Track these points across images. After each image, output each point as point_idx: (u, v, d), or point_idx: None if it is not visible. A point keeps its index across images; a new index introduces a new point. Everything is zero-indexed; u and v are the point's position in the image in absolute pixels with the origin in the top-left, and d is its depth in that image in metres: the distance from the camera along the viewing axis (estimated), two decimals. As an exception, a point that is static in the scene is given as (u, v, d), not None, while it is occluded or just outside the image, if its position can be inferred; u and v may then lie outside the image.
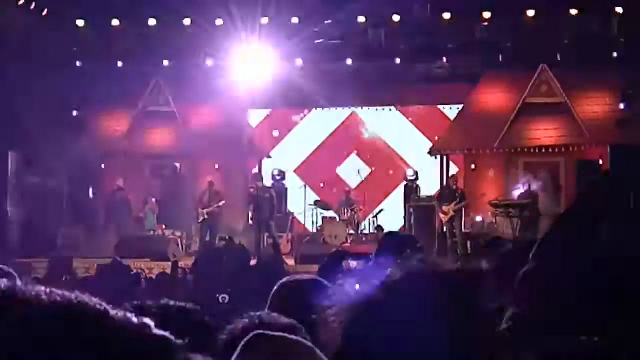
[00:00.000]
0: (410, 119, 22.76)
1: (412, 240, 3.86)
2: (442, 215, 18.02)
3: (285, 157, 22.47)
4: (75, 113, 21.29)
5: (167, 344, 1.10)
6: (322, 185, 22.22)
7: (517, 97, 20.09)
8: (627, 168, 17.26)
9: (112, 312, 1.08)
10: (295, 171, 22.47)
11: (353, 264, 3.86)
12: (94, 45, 21.08)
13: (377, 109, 22.55)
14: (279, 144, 23.03)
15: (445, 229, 18.19)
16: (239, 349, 1.62)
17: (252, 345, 1.62)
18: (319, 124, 23.00)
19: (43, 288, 1.07)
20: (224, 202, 18.82)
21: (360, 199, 20.79)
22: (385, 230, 19.78)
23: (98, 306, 1.07)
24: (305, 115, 23.13)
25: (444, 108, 22.34)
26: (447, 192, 18.07)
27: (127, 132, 21.26)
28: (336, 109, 22.49)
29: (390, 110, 22.55)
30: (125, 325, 1.06)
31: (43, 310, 1.00)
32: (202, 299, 8.46)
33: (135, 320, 1.10)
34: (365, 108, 22.56)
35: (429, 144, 21.30)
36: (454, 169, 20.93)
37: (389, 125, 22.81)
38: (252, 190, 18.00)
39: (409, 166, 21.57)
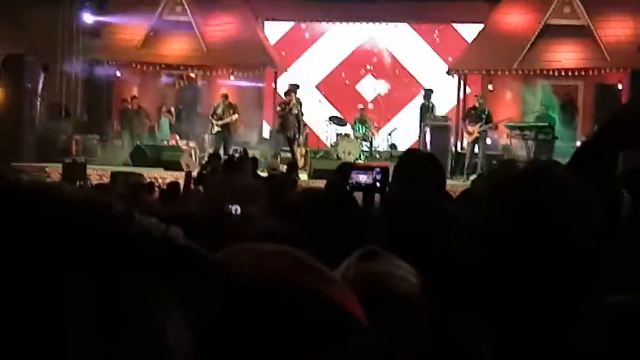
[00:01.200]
0: (426, 37, 22.46)
1: (434, 160, 3.80)
2: (466, 135, 17.92)
3: (304, 73, 22.30)
4: (91, 20, 21.09)
5: (196, 254, 1.06)
6: (340, 101, 22.11)
7: (539, 18, 19.77)
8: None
9: (138, 217, 1.01)
10: (316, 86, 22.42)
11: (362, 177, 3.84)
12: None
13: (395, 25, 22.25)
14: (296, 60, 22.81)
15: (465, 149, 18.10)
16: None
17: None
18: (337, 41, 22.75)
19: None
20: (237, 115, 18.78)
21: (375, 116, 20.72)
22: (399, 148, 19.89)
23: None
24: (323, 33, 22.84)
25: (460, 27, 22.03)
26: (474, 113, 17.88)
27: (143, 41, 21.10)
28: (354, 23, 22.23)
29: (405, 26, 22.27)
30: (151, 232, 1.01)
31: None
32: (213, 209, 8.50)
33: (162, 226, 1.05)
34: (382, 24, 22.25)
35: (443, 64, 21.17)
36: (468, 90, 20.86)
37: (405, 43, 22.54)
38: (282, 105, 18.07)
39: (421, 85, 21.40)
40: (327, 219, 2.49)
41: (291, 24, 22.77)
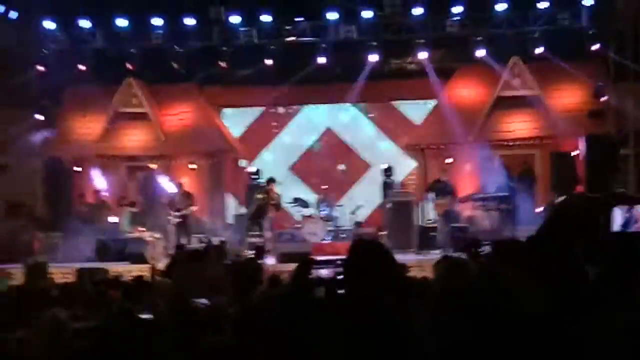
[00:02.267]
0: (372, 115, 22.75)
1: (380, 248, 3.81)
2: (437, 209, 18.01)
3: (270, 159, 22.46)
4: (43, 117, 21.11)
5: None
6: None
7: (491, 91, 20.21)
8: (601, 157, 17.47)
9: None
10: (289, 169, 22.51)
11: (323, 272, 3.88)
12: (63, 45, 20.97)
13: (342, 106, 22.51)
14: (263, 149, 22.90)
15: (434, 222, 18.16)
16: None
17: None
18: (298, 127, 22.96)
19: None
20: (195, 207, 18.83)
21: (338, 194, 20.85)
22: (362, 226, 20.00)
23: None
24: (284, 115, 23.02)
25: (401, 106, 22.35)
26: (439, 185, 18.04)
27: (101, 135, 21.13)
28: (307, 105, 22.51)
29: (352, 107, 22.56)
30: None
31: None
32: (181, 304, 8.41)
33: None
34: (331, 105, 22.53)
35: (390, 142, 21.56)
36: (409, 164, 21.21)
37: (352, 123, 22.81)
38: (262, 195, 18.18)
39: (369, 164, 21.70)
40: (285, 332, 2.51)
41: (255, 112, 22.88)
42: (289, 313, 2.73)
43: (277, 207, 18.12)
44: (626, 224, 2.14)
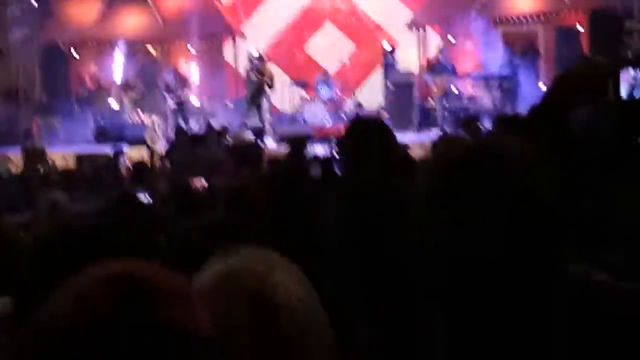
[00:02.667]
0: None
1: (380, 125, 3.70)
2: (434, 89, 17.78)
3: (259, 35, 21.84)
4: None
5: None
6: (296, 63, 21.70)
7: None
8: (606, 34, 17.16)
9: None
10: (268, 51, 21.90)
11: (318, 149, 3.80)
12: None
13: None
14: (250, 20, 22.20)
15: (432, 103, 17.97)
16: None
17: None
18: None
19: None
20: (189, 89, 18.72)
21: (341, 77, 20.55)
22: (365, 107, 19.83)
23: None
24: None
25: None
26: (438, 65, 17.75)
27: (98, 18, 20.79)
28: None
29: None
30: None
31: None
32: (181, 186, 8.41)
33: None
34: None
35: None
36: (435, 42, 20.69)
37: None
38: (249, 72, 17.90)
39: (390, 40, 21.02)
40: (278, 211, 2.45)
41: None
42: (281, 190, 2.66)
43: (270, 85, 17.81)
44: (631, 88, 2.03)
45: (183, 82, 18.60)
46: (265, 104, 17.96)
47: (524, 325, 1.33)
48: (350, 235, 1.90)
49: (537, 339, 1.33)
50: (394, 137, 3.56)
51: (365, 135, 3.50)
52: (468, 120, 6.07)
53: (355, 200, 1.98)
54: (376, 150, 3.35)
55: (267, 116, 18.26)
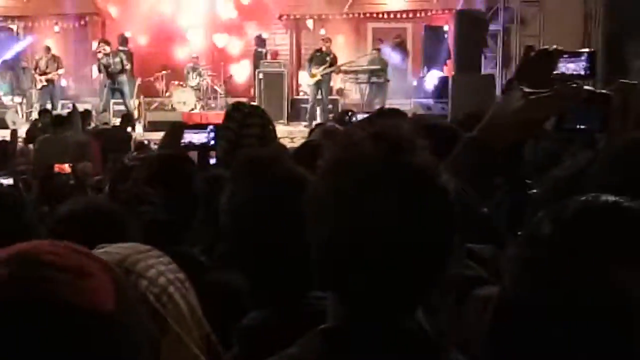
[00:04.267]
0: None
1: (260, 112, 3.71)
2: (309, 78, 17.78)
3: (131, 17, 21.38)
4: None
5: None
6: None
7: (367, -40, 19.98)
8: (471, 33, 17.74)
9: None
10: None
11: (195, 137, 3.76)
12: None
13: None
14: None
15: (308, 94, 17.93)
16: None
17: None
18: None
19: None
20: (62, 70, 18.10)
21: (211, 64, 20.38)
22: (235, 97, 19.72)
23: None
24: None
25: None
26: (319, 55, 17.75)
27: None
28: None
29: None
30: None
31: None
32: (44, 169, 8.16)
33: None
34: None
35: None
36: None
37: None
38: (99, 54, 17.34)
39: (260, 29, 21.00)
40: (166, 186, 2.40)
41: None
42: (158, 175, 2.61)
43: (123, 71, 17.45)
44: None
45: (55, 61, 17.96)
46: (126, 89, 17.53)
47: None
48: (249, 218, 1.88)
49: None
50: (272, 124, 3.57)
51: (246, 120, 3.50)
52: (342, 112, 6.16)
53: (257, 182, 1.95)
54: (257, 135, 3.35)
55: (133, 101, 17.90)
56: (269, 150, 2.94)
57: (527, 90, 1.95)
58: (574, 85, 2.05)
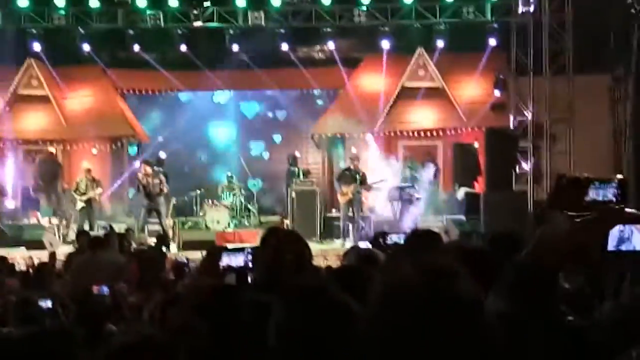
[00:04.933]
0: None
1: (296, 237, 3.79)
2: (340, 196, 17.99)
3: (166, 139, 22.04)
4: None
5: None
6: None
7: (396, 82, 20.40)
8: (501, 150, 17.94)
9: None
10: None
11: (233, 260, 3.84)
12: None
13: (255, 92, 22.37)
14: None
15: (345, 211, 18.02)
16: None
17: None
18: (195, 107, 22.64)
19: None
20: (101, 190, 18.44)
21: (243, 183, 20.72)
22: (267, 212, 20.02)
23: None
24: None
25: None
26: (348, 174, 18.03)
27: (-1, 116, 20.51)
28: (215, 91, 22.27)
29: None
30: None
31: None
32: (82, 291, 8.23)
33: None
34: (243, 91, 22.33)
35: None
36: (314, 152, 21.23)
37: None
38: (139, 175, 17.65)
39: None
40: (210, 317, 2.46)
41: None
42: (205, 305, 2.66)
43: (161, 192, 17.69)
44: (619, 243, 2.19)
45: (94, 183, 18.34)
46: (163, 209, 17.84)
47: None
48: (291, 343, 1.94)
49: None
50: (308, 248, 3.64)
51: (281, 245, 3.57)
52: (377, 234, 6.26)
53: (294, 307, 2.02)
54: (293, 261, 3.43)
55: (169, 221, 18.14)
56: (316, 279, 3.01)
57: (570, 213, 2.01)
58: (616, 207, 2.12)
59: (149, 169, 17.79)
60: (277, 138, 23.05)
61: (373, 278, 3.06)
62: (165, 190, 17.85)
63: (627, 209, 2.14)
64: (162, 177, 17.88)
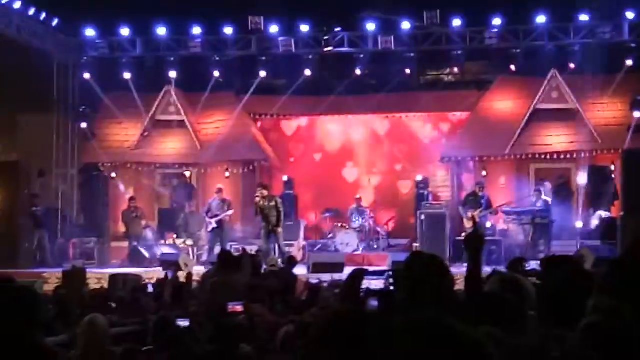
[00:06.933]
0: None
1: (439, 263, 3.77)
2: (466, 221, 17.86)
3: (296, 161, 22.43)
4: (84, 124, 21.20)
5: None
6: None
7: (528, 103, 20.06)
8: (638, 172, 17.25)
9: None
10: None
11: (374, 283, 3.86)
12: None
13: (386, 116, 22.35)
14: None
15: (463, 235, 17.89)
16: None
17: None
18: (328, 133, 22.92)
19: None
20: (232, 211, 18.78)
21: (371, 207, 20.78)
22: (395, 236, 19.98)
23: None
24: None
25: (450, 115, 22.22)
26: (473, 198, 17.92)
27: (137, 142, 21.30)
28: (346, 116, 22.41)
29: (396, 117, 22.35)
30: None
31: None
32: (218, 311, 8.43)
33: None
34: (371, 115, 22.35)
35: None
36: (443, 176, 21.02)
37: (397, 133, 22.63)
38: (257, 198, 17.76)
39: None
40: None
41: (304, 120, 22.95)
42: (331, 334, 2.65)
43: (276, 210, 17.57)
44: None
45: (225, 204, 18.74)
46: (281, 231, 17.72)
47: None
48: None
49: None
50: (450, 273, 3.62)
51: (424, 271, 3.57)
52: (515, 260, 6.14)
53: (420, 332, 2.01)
54: (435, 287, 3.42)
55: (300, 242, 18.32)
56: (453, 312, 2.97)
57: None
58: None
59: (264, 192, 17.80)
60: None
61: (519, 307, 3.02)
62: (281, 211, 17.60)
63: None
64: (279, 201, 17.83)
